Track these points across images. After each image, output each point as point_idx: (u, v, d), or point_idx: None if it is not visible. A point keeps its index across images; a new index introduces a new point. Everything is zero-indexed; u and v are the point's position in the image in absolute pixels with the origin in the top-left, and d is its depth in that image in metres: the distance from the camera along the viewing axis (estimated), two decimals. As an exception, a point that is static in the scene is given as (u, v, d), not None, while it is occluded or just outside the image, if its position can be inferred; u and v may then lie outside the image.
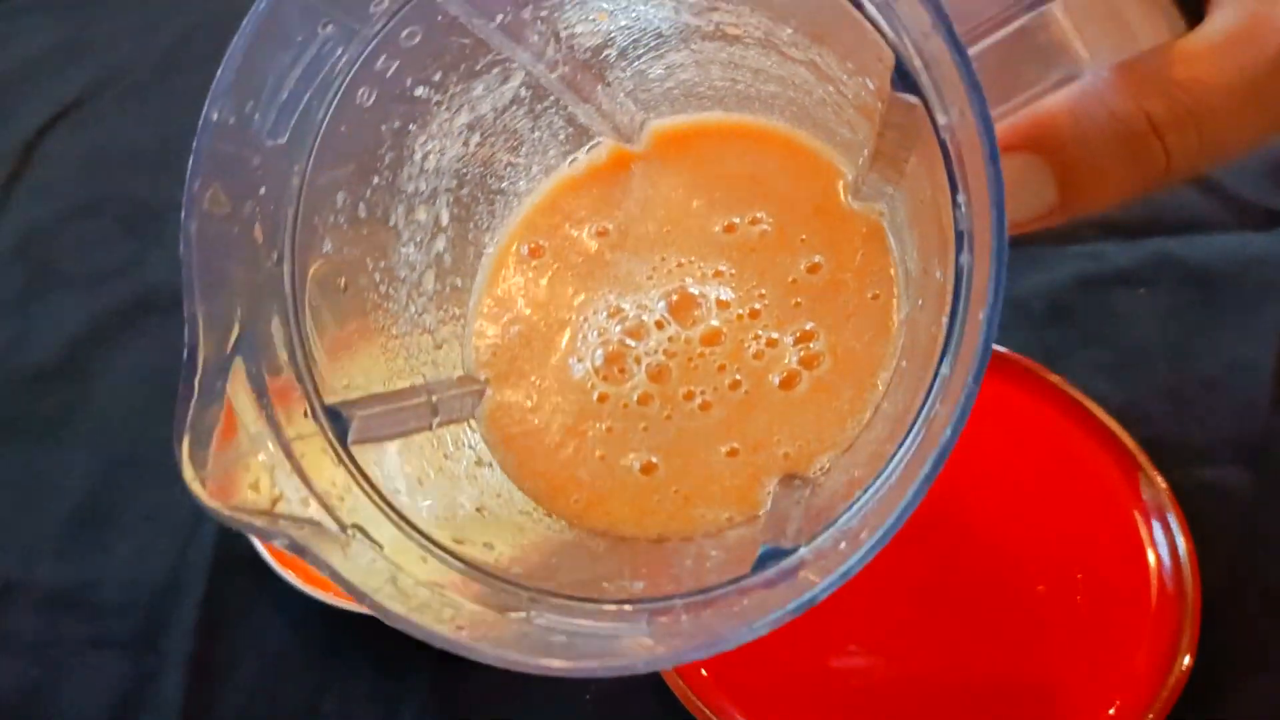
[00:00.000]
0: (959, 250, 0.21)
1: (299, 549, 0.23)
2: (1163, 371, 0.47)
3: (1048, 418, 0.44)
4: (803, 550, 0.24)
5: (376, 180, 0.29)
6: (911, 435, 0.22)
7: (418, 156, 0.30)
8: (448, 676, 0.42)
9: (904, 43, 0.22)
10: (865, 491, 0.23)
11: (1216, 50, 0.25)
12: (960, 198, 0.21)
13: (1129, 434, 0.43)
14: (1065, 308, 0.49)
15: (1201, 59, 0.25)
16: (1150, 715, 0.37)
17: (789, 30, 0.27)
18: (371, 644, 0.43)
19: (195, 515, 0.47)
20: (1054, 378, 0.45)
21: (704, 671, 0.40)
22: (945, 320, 0.21)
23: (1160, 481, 0.42)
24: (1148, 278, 0.50)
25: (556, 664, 0.22)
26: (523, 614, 0.25)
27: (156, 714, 0.42)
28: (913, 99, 0.22)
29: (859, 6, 0.22)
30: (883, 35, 0.22)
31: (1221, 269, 0.51)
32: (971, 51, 0.22)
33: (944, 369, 0.21)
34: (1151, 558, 0.41)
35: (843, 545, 0.22)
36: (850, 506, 0.23)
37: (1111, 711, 0.38)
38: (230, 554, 0.45)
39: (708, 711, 0.39)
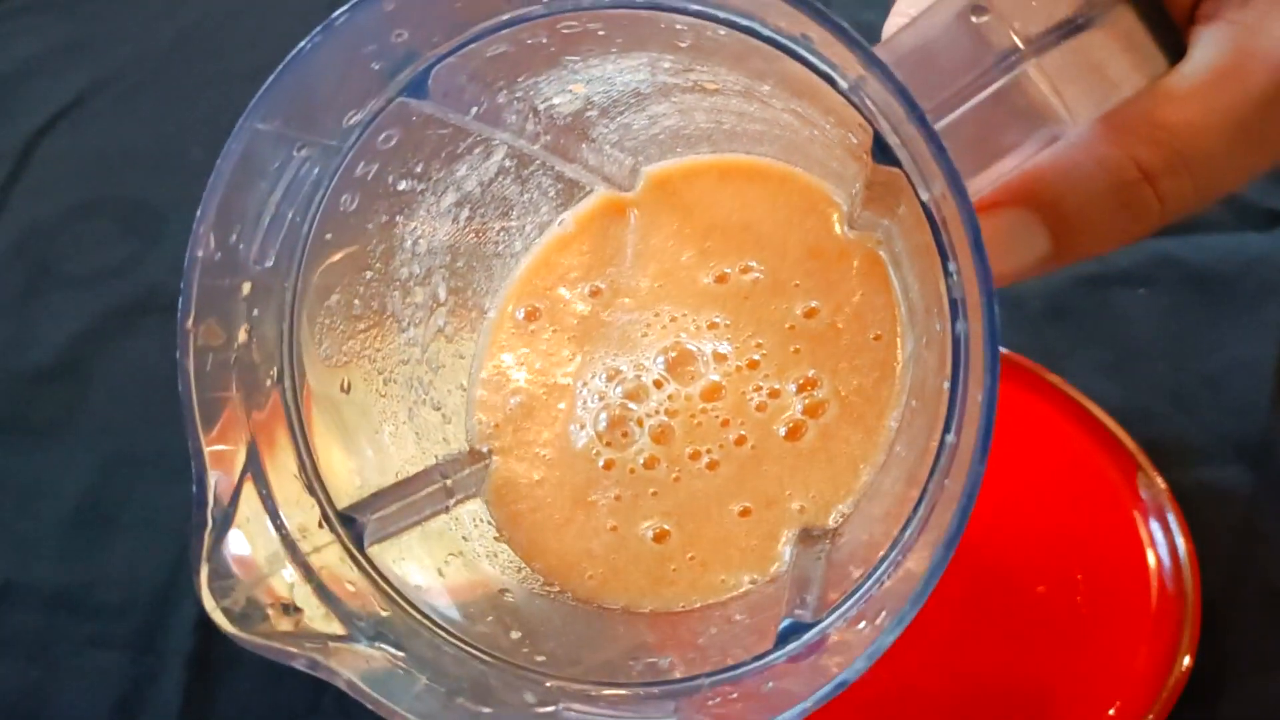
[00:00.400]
0: (954, 317, 0.21)
1: (315, 667, 0.23)
2: (1162, 371, 0.47)
3: (1047, 418, 0.44)
4: (824, 623, 0.23)
5: (369, 275, 0.29)
6: (924, 504, 0.22)
7: (408, 243, 0.29)
8: (447, 676, 0.42)
9: (880, 121, 0.22)
10: (882, 561, 0.23)
11: (1202, 90, 0.25)
12: (951, 266, 0.21)
13: (1128, 434, 0.43)
14: (1065, 307, 0.49)
15: (1188, 100, 0.25)
16: (1150, 715, 0.37)
17: (767, 87, 0.27)
18: (371, 644, 0.43)
19: (195, 515, 0.47)
20: (1054, 378, 0.45)
21: (704, 671, 0.40)
22: (947, 387, 0.21)
23: (1160, 481, 0.42)
24: (1148, 278, 0.50)
25: None
26: (551, 708, 0.25)
27: (156, 714, 0.42)
28: (894, 170, 0.22)
29: (833, 83, 0.22)
30: (860, 111, 0.22)
31: (1221, 269, 0.51)
32: (948, 120, 0.22)
33: (949, 437, 0.21)
34: (1151, 558, 0.41)
35: (862, 625, 0.22)
36: (869, 575, 0.23)
37: (1111, 712, 0.38)
38: (230, 554, 0.45)
39: (707, 711, 0.39)
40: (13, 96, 0.66)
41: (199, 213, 0.24)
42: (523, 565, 0.29)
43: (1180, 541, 0.41)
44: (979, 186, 0.24)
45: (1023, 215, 0.24)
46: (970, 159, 0.22)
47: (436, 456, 0.30)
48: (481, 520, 0.30)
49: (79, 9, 0.71)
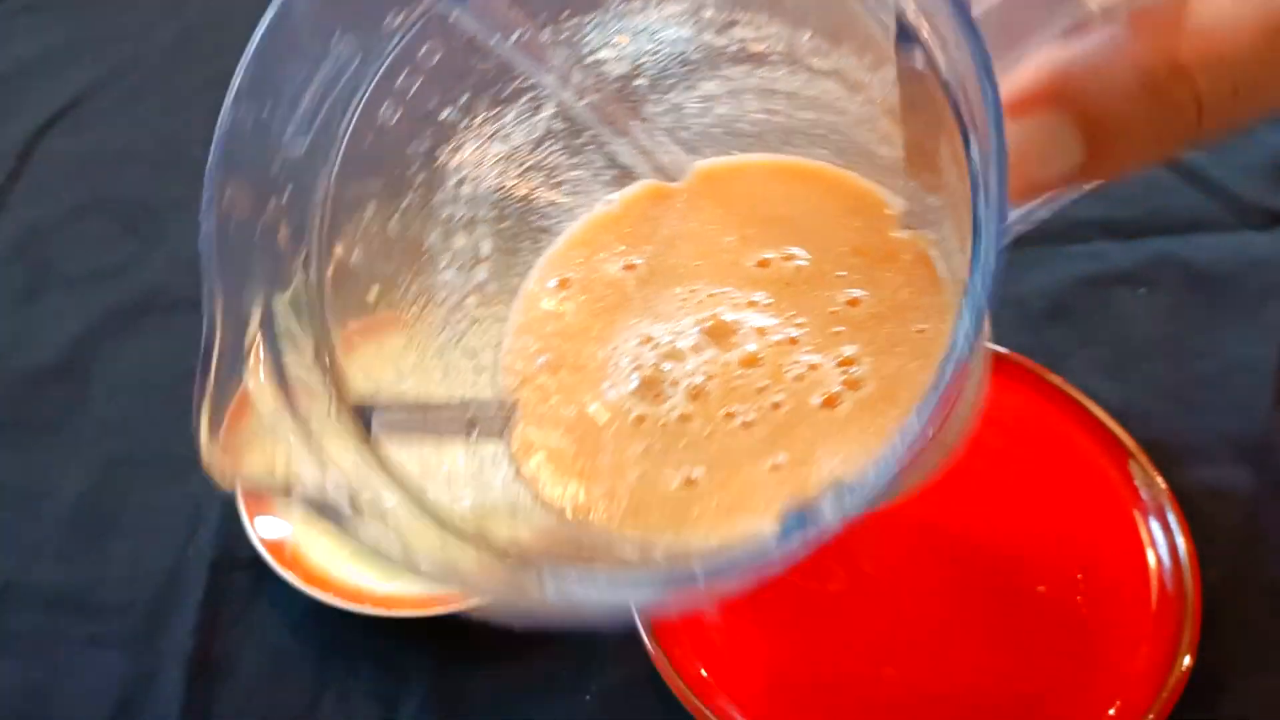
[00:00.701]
0: (975, 197, 0.20)
1: (308, 504, 0.23)
2: (1163, 371, 0.47)
3: (1048, 418, 0.44)
4: (830, 495, 0.23)
5: (408, 199, 0.29)
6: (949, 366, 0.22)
7: (451, 183, 0.30)
8: (448, 676, 0.42)
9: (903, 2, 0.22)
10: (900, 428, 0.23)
11: None
12: (972, 144, 0.20)
13: (1129, 434, 0.43)
14: (1065, 308, 0.49)
15: None
16: (1150, 715, 0.37)
17: (808, 35, 0.27)
18: (371, 644, 0.43)
19: (195, 515, 0.47)
20: (1054, 378, 0.45)
21: (704, 672, 0.40)
22: (969, 258, 0.21)
23: (1160, 481, 0.42)
24: (1148, 278, 0.50)
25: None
26: (534, 573, 0.25)
27: (156, 713, 0.42)
28: (917, 56, 0.22)
29: None
30: None
31: (1222, 269, 0.51)
32: (975, 11, 0.22)
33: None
34: (1151, 558, 0.41)
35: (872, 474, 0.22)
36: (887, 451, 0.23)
37: (1111, 712, 0.38)
38: (230, 554, 0.45)
39: (707, 711, 0.39)
40: (13, 96, 0.66)
41: (235, 78, 0.24)
42: (540, 502, 0.29)
43: (1180, 541, 0.41)
44: (1000, 69, 0.23)
45: (1054, 118, 0.23)
46: (993, 42, 0.22)
47: (461, 397, 0.30)
48: (501, 462, 0.30)
49: (79, 9, 0.71)
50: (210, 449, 0.23)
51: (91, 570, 0.46)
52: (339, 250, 0.27)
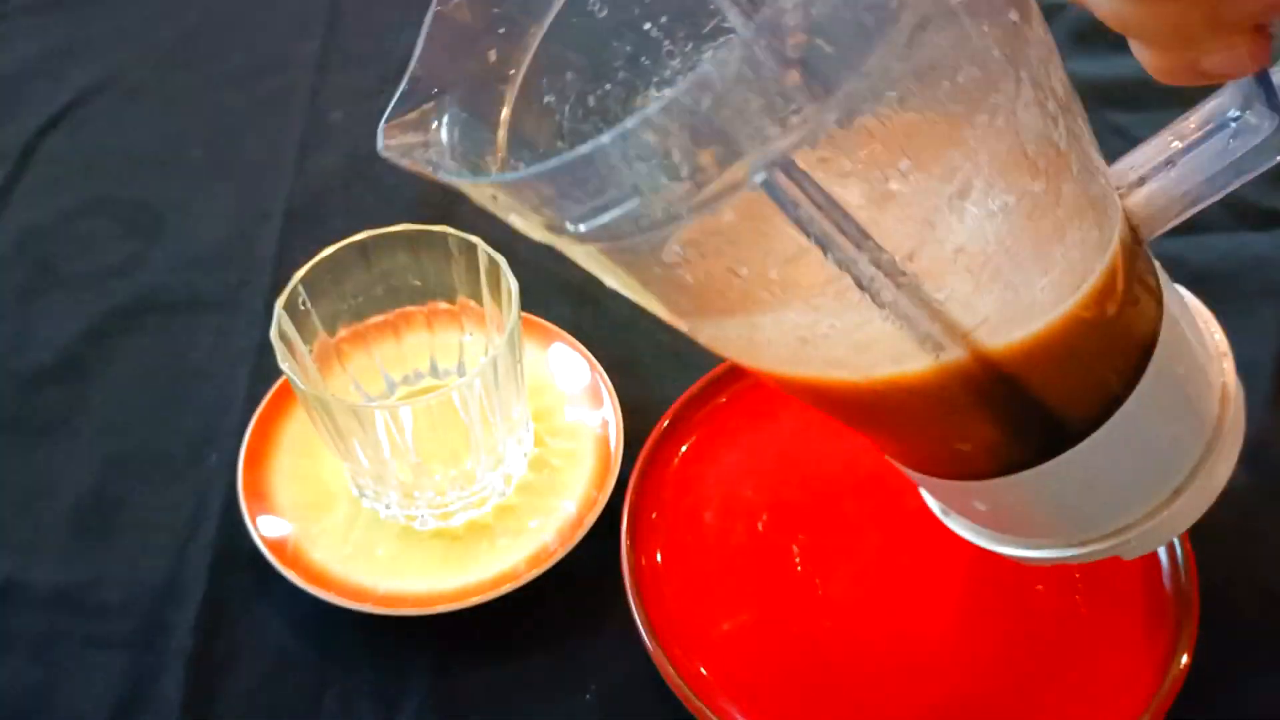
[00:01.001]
0: None
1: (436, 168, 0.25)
2: (1162, 371, 0.47)
3: (1047, 418, 0.44)
4: None
5: (609, 87, 0.30)
6: None
7: (651, 95, 0.31)
8: (448, 676, 0.42)
9: None
10: None
11: None
12: None
13: (1128, 434, 0.43)
14: (1064, 308, 0.49)
15: None
16: (1148, 714, 0.38)
17: None
18: (371, 643, 0.43)
19: (195, 515, 0.47)
20: (1053, 378, 0.45)
21: (704, 671, 0.40)
22: None
23: (1159, 481, 0.42)
24: (1147, 278, 0.50)
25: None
26: None
27: (156, 713, 0.42)
28: None
29: None
30: None
31: (1221, 269, 0.51)
32: None
33: None
34: (1150, 557, 0.41)
35: None
36: None
37: (1110, 711, 0.38)
38: (230, 553, 0.45)
39: (708, 711, 0.39)
40: (13, 96, 0.66)
41: None
42: None
43: (1179, 541, 0.41)
44: None
45: None
46: None
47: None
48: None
49: (79, 9, 0.71)
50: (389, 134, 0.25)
51: (91, 570, 0.46)
52: (536, 98, 0.29)
